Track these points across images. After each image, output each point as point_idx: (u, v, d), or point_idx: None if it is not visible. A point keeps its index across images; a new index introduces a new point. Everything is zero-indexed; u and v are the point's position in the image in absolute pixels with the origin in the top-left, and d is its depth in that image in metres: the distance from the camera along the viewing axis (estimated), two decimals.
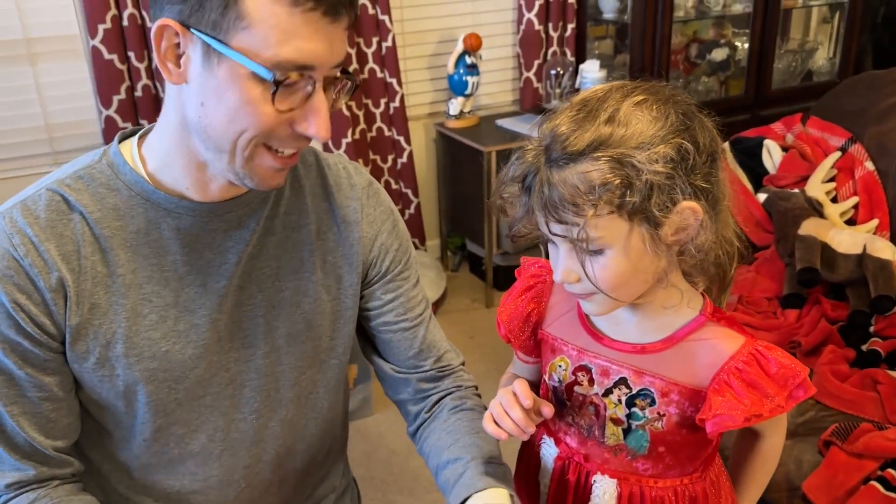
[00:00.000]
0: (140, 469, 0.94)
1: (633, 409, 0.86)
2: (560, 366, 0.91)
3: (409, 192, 2.97)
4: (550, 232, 0.79)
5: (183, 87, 0.78)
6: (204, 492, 0.97)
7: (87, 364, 0.85)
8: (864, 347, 1.72)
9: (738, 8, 3.05)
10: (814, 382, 1.61)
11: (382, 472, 2.11)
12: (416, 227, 3.05)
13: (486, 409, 1.01)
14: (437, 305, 2.88)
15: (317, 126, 0.78)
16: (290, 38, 0.73)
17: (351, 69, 2.70)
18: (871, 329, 1.77)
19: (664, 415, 0.85)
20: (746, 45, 3.06)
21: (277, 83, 0.74)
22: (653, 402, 0.85)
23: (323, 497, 1.12)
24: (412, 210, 3.00)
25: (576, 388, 0.89)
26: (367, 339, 1.07)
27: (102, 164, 0.85)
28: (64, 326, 0.83)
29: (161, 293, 0.87)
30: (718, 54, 3.11)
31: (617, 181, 0.74)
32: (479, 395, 1.07)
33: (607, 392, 0.87)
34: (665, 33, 2.80)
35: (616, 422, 0.87)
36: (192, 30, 0.74)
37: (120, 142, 0.88)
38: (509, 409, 0.86)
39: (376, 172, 2.93)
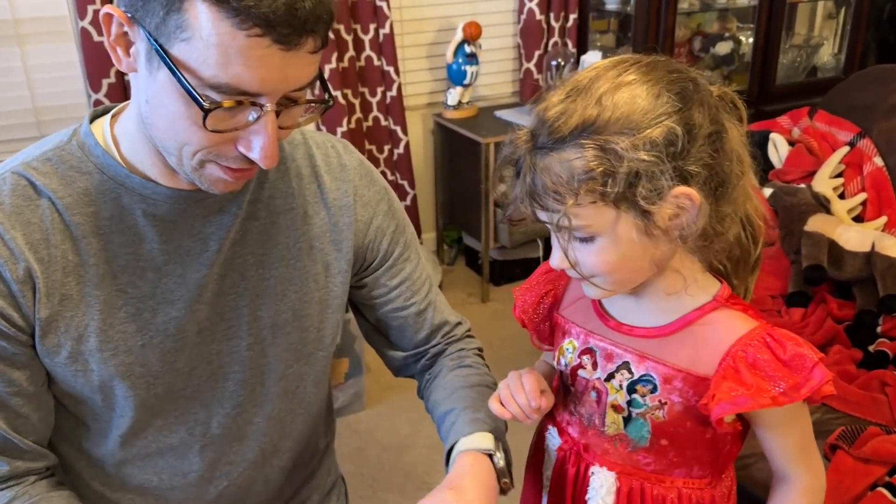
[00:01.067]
0: (116, 464, 0.90)
1: (634, 396, 0.82)
2: (567, 349, 0.89)
3: (405, 183, 2.92)
4: (537, 219, 0.77)
5: (133, 75, 0.73)
6: (183, 488, 0.92)
7: (58, 358, 0.80)
8: (871, 348, 1.68)
9: (742, 1, 3.00)
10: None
11: (373, 468, 2.07)
12: (412, 220, 2.99)
13: (485, 366, 1.05)
14: None
15: (259, 152, 0.72)
16: (232, 62, 0.66)
17: (347, 56, 2.64)
18: (879, 329, 1.73)
19: (665, 403, 0.81)
20: (751, 40, 3.02)
21: (206, 110, 0.67)
22: (654, 389, 0.81)
23: (308, 496, 1.07)
24: (408, 202, 2.95)
25: (580, 371, 0.87)
26: (375, 329, 1.03)
27: (72, 146, 0.80)
28: (33, 319, 0.78)
29: (137, 284, 0.81)
30: (722, 48, 3.06)
31: (599, 169, 0.70)
32: (481, 356, 1.06)
33: (609, 376, 0.84)
34: (669, 25, 2.75)
35: (616, 409, 0.84)
36: (137, 25, 0.69)
37: (91, 121, 0.83)
38: (515, 394, 0.86)
39: (372, 163, 2.87)
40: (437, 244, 3.18)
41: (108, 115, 0.83)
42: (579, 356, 0.87)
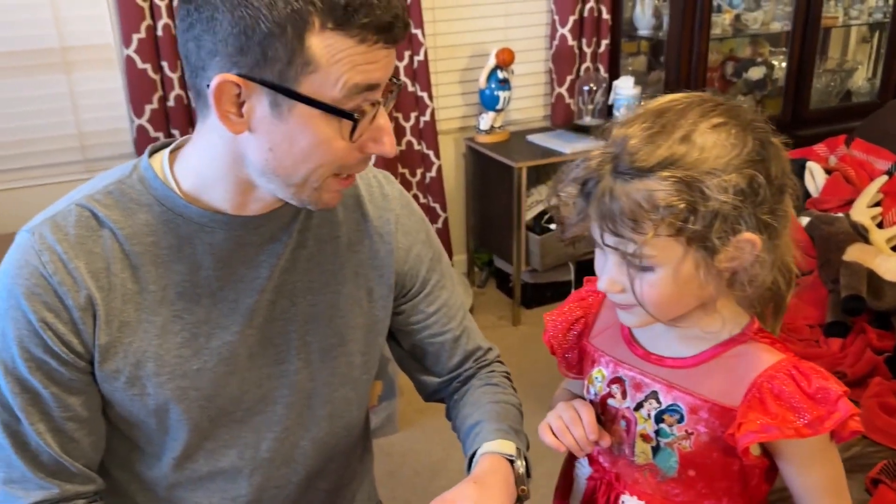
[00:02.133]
0: (168, 487, 0.92)
1: (662, 426, 0.83)
2: (597, 378, 0.90)
3: (437, 206, 2.94)
4: (603, 242, 0.77)
5: (244, 135, 0.76)
6: None
7: (117, 383, 0.83)
8: None
9: (776, 26, 3.00)
10: (860, 417, 1.56)
11: (406, 492, 2.07)
12: (443, 242, 3.00)
13: (512, 387, 1.06)
14: None
15: (385, 143, 0.79)
16: (355, 67, 0.72)
17: None
18: None
19: (692, 433, 0.82)
20: (784, 64, 3.01)
21: (356, 119, 0.74)
22: (681, 419, 0.82)
23: None
24: (440, 225, 2.97)
25: (609, 400, 0.88)
26: (409, 355, 1.05)
27: (133, 179, 0.83)
28: (93, 346, 0.81)
29: (192, 310, 0.84)
30: (755, 73, 3.06)
31: (682, 205, 0.71)
32: (509, 378, 1.08)
33: (638, 406, 0.85)
34: (702, 50, 2.76)
35: (645, 438, 0.85)
36: (256, 81, 0.72)
37: (150, 155, 0.86)
38: (571, 426, 0.86)
39: (405, 186, 2.89)
40: (469, 267, 3.20)
41: (167, 151, 0.86)
42: (608, 385, 0.88)
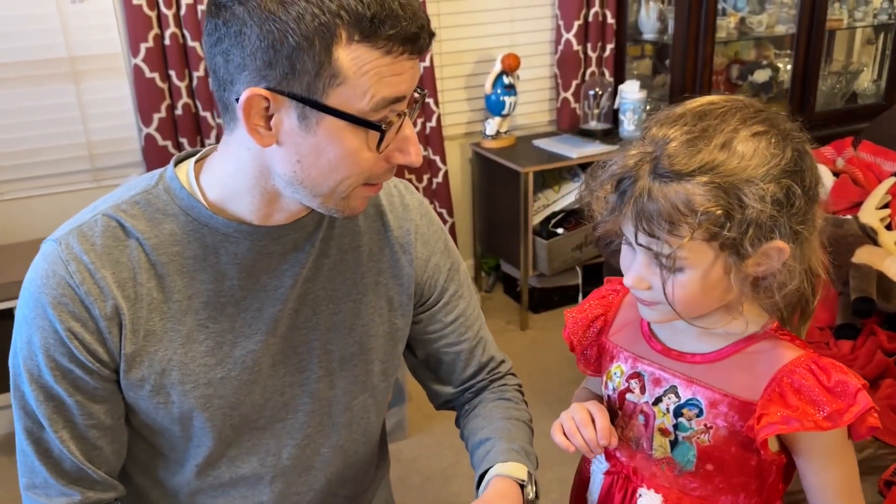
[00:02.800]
0: (190, 493, 0.93)
1: (680, 420, 0.85)
2: (616, 373, 0.91)
3: (443, 211, 2.95)
4: (637, 242, 0.78)
5: (272, 148, 0.77)
6: None
7: (142, 392, 0.84)
8: None
9: (780, 29, 3.00)
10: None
11: (416, 498, 2.07)
12: None
13: (524, 402, 1.06)
14: None
15: (411, 154, 0.79)
16: (382, 79, 0.73)
17: None
18: None
19: (711, 427, 0.83)
20: (789, 67, 3.01)
21: (383, 130, 0.75)
22: (700, 413, 0.83)
23: None
24: (447, 230, 2.97)
25: (628, 395, 0.89)
26: (423, 364, 1.06)
27: (159, 189, 0.84)
28: (118, 355, 0.82)
29: (217, 318, 0.85)
30: (760, 76, 3.06)
31: (719, 211, 0.72)
32: (521, 392, 1.08)
33: (657, 400, 0.86)
34: (707, 54, 2.76)
35: (664, 432, 0.86)
36: (284, 94, 0.73)
37: (175, 165, 0.87)
38: (582, 427, 0.87)
39: None
40: (476, 271, 3.20)
41: (192, 161, 0.87)
42: (627, 380, 0.89)
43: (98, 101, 2.43)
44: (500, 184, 2.89)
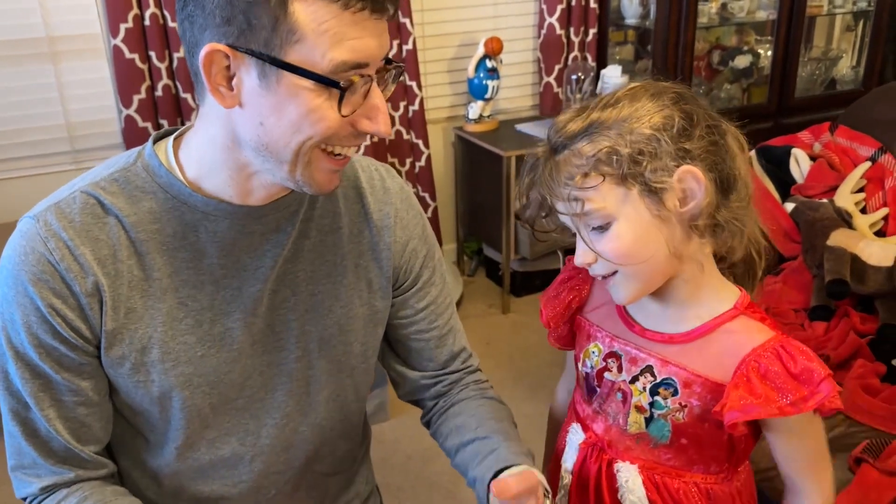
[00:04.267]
0: (170, 475, 0.93)
1: (656, 398, 0.87)
2: (593, 352, 0.93)
3: (426, 195, 2.95)
4: (560, 213, 0.82)
5: (235, 108, 0.76)
6: (234, 498, 0.96)
7: (122, 370, 0.84)
8: (894, 362, 1.69)
9: (761, 15, 3.02)
10: (844, 397, 1.58)
11: (399, 478, 2.09)
12: (433, 231, 3.03)
13: (502, 402, 1.05)
14: None
15: (379, 122, 0.78)
16: (343, 41, 0.72)
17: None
18: None
19: (686, 406, 0.85)
20: (770, 53, 3.03)
21: (342, 90, 0.73)
22: (675, 393, 0.86)
23: (348, 502, 1.11)
24: (429, 214, 2.98)
25: (605, 374, 0.91)
26: (390, 349, 1.06)
27: (138, 167, 0.84)
28: (100, 331, 0.82)
29: (197, 297, 0.85)
30: (741, 61, 3.08)
31: (605, 150, 0.77)
32: (492, 389, 1.09)
33: (634, 379, 0.88)
34: (688, 39, 2.78)
35: (640, 409, 0.88)
36: (242, 51, 0.72)
37: (154, 143, 0.87)
38: None
39: None
40: (458, 255, 3.21)
41: (171, 138, 0.87)
42: (604, 359, 0.92)
43: (77, 82, 2.41)
44: (482, 168, 2.90)
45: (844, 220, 1.93)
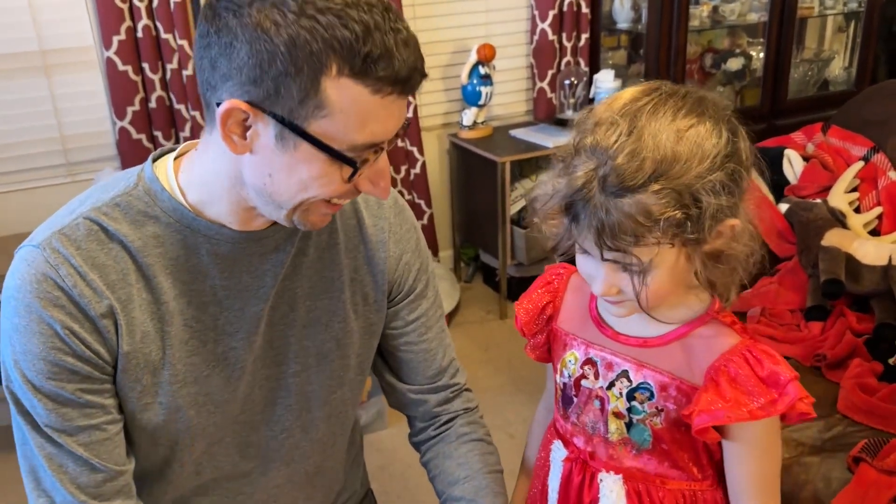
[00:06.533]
0: (176, 498, 0.94)
1: (633, 403, 0.87)
2: (570, 360, 0.93)
3: (422, 202, 2.96)
4: (603, 258, 0.77)
5: (246, 156, 0.76)
6: None
7: (133, 393, 0.83)
8: (891, 361, 1.69)
9: (752, 17, 3.03)
10: (841, 396, 1.59)
11: (398, 486, 2.09)
12: (429, 238, 3.03)
13: (486, 427, 1.06)
14: (450, 317, 2.85)
15: (381, 187, 0.80)
16: (368, 123, 0.72)
17: None
18: None
19: (662, 410, 0.86)
20: (762, 55, 3.04)
21: (357, 168, 0.75)
22: (651, 397, 0.86)
23: (344, 502, 1.13)
24: (425, 221, 2.98)
25: (583, 381, 0.91)
26: (382, 359, 1.06)
27: (139, 191, 0.83)
28: (116, 353, 0.81)
29: (200, 318, 0.85)
30: (734, 64, 3.09)
31: (679, 215, 0.73)
32: (482, 417, 1.09)
33: (611, 385, 0.88)
34: (680, 43, 2.79)
35: (618, 415, 0.88)
36: (264, 113, 0.72)
37: (154, 160, 0.86)
38: None
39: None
40: (455, 262, 3.21)
41: (171, 157, 0.86)
42: (581, 367, 0.91)
43: (71, 95, 2.41)
44: (477, 174, 2.90)
45: (838, 220, 1.94)
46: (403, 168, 2.90)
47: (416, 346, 1.01)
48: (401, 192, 2.94)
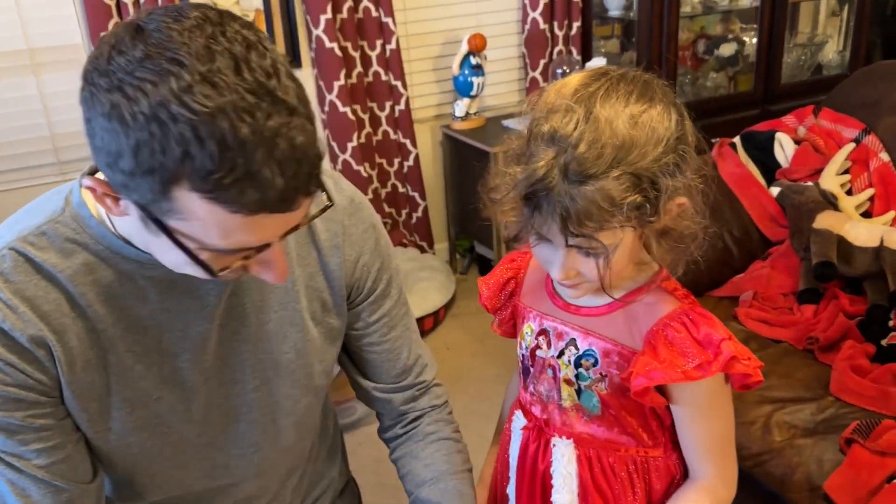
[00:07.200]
0: None
1: (580, 370, 0.89)
2: (527, 332, 0.95)
3: (416, 195, 2.95)
4: (567, 244, 0.78)
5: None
6: None
7: (82, 419, 0.82)
8: (883, 342, 1.68)
9: (745, 2, 3.02)
10: (833, 378, 1.59)
11: (393, 477, 2.07)
12: (424, 231, 3.03)
13: (455, 423, 1.06)
14: (446, 308, 2.85)
15: (272, 276, 0.74)
16: (231, 234, 0.66)
17: (355, 73, 2.69)
18: (891, 323, 1.73)
19: (606, 375, 0.88)
20: (754, 40, 3.03)
21: (215, 274, 0.70)
22: (596, 363, 0.88)
23: (321, 494, 1.12)
24: (420, 213, 2.98)
25: (538, 352, 0.94)
26: (349, 358, 1.05)
27: (66, 217, 0.79)
28: (59, 382, 0.79)
29: (142, 341, 0.83)
30: (726, 50, 3.08)
31: (640, 198, 0.74)
32: (451, 413, 1.08)
33: (560, 353, 0.91)
34: (672, 29, 2.77)
35: (568, 383, 0.91)
36: (123, 200, 0.66)
37: (82, 181, 0.80)
38: None
39: (383, 176, 2.91)
40: (450, 253, 3.21)
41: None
42: (536, 338, 0.94)
43: (60, 93, 2.40)
44: (471, 165, 2.89)
45: (830, 203, 1.93)
46: (397, 161, 2.90)
47: (379, 346, 1.00)
48: (394, 185, 2.93)
